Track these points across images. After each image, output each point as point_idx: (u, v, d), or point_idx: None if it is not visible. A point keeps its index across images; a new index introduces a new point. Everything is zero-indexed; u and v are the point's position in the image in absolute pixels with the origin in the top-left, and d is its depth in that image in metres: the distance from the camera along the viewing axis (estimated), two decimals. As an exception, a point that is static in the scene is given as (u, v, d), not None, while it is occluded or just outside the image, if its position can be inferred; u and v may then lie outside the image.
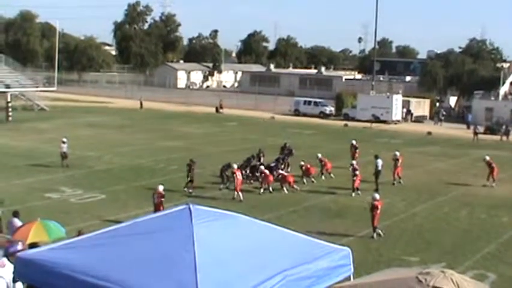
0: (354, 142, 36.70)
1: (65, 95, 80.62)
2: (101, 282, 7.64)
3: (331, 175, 32.40)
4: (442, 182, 33.03)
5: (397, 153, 32.75)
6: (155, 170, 33.69)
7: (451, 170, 37.12)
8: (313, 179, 31.45)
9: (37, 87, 66.38)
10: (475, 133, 53.09)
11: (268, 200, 27.58)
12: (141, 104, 71.19)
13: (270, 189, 29.11)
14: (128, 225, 9.23)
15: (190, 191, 28.16)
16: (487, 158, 33.14)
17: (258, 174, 30.26)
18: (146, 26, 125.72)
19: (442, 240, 22.47)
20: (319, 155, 33.42)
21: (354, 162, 30.66)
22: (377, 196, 23.16)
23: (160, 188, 23.54)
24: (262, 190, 29.01)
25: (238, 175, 27.58)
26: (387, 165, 32.34)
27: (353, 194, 28.50)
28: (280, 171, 30.45)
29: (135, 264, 7.94)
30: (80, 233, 15.76)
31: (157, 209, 22.07)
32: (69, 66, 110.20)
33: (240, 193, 27.12)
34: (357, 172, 29.17)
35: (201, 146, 42.54)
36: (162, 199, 23.05)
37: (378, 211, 22.37)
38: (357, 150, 36.15)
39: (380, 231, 22.47)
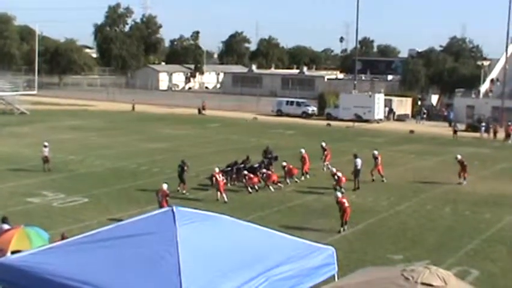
0: (323, 144, 36.46)
1: (46, 98, 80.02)
2: (82, 286, 7.59)
3: (307, 175, 32.43)
4: (425, 180, 33.21)
5: (376, 152, 32.88)
6: (138, 172, 33.54)
7: (433, 167, 37.36)
8: (296, 179, 31.51)
9: (17, 91, 65.83)
10: (455, 131, 53.46)
11: (252, 201, 27.57)
12: (133, 107, 70.87)
13: (256, 187, 29.39)
14: (110, 228, 9.18)
15: (184, 191, 28.09)
16: (459, 156, 33.22)
17: (241, 177, 30.31)
18: (127, 28, 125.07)
19: (425, 237, 22.60)
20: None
21: (334, 169, 30.48)
22: (339, 194, 23.98)
23: (165, 186, 24.08)
24: (250, 189, 29.09)
25: (219, 177, 27.59)
26: (369, 163, 32.51)
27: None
28: (265, 170, 30.52)
29: (118, 268, 7.89)
30: (63, 237, 15.67)
31: (162, 207, 22.26)
32: (50, 69, 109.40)
33: (223, 194, 27.09)
34: (336, 177, 29.18)
35: (184, 148, 42.42)
36: (167, 197, 23.67)
37: (346, 205, 22.96)
38: (325, 152, 35.78)
39: (346, 226, 22.90)
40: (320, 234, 21.62)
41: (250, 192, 28.89)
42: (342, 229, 22.80)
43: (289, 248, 9.12)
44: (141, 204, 25.58)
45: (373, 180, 31.80)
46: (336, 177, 29.24)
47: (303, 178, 32.06)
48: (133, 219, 9.51)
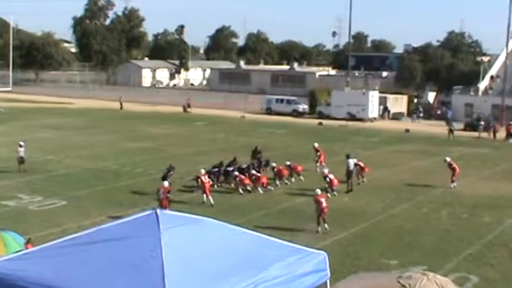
0: (316, 145, 36.40)
1: (22, 95, 79.68)
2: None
3: (301, 177, 32.43)
4: (421, 182, 33.30)
5: (355, 160, 32.45)
6: (120, 173, 33.45)
7: (430, 168, 37.46)
8: (286, 181, 31.55)
9: (-10, 87, 65.55)
10: (450, 131, 53.41)
11: (240, 204, 27.57)
12: (120, 104, 70.74)
13: (249, 188, 29.55)
14: (90, 232, 9.12)
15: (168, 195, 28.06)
16: (448, 159, 33.08)
17: (231, 179, 30.36)
18: (108, 22, 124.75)
19: (422, 242, 22.67)
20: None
21: (325, 170, 30.54)
22: (318, 191, 24.49)
23: (166, 183, 25.29)
24: (241, 190, 29.20)
25: (204, 179, 27.59)
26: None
27: (329, 195, 28.61)
28: (254, 172, 30.56)
29: (99, 274, 7.86)
30: (29, 242, 15.62)
31: (162, 205, 23.78)
32: (25, 64, 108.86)
33: (209, 197, 27.08)
34: (328, 179, 29.25)
35: (168, 148, 42.37)
36: (168, 194, 25.02)
37: (323, 205, 23.39)
38: (318, 153, 35.65)
39: (319, 227, 23.26)
40: (311, 238, 21.66)
41: (241, 193, 28.96)
42: (319, 229, 23.17)
43: (279, 253, 9.11)
44: (124, 207, 25.54)
45: (358, 183, 31.84)
46: (327, 179, 29.30)
47: (293, 180, 32.11)
48: (115, 223, 9.47)
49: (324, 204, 23.51)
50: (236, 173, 30.14)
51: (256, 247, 9.08)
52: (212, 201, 26.87)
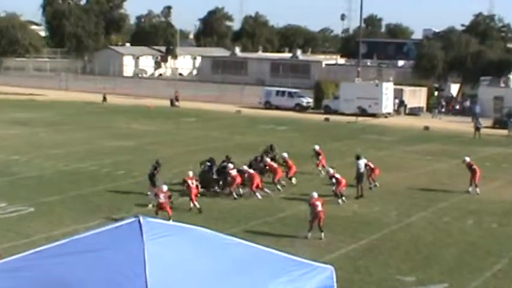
0: (316, 147, 36.17)
1: (-16, 86, 79.66)
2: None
3: (293, 180, 32.44)
4: (442, 186, 33.31)
5: (365, 160, 32.39)
6: (98, 175, 33.44)
7: (452, 171, 37.44)
8: (283, 183, 31.58)
9: None
10: (477, 128, 53.26)
11: (235, 210, 27.56)
12: (104, 97, 70.79)
13: (241, 191, 29.68)
14: (62, 243, 9.11)
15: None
16: (467, 159, 32.87)
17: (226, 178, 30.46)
18: (84, 1, 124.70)
19: (443, 255, 22.67)
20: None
21: (331, 170, 30.57)
22: (315, 194, 24.67)
23: (165, 187, 25.93)
24: (234, 195, 29.33)
25: (191, 183, 27.58)
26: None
27: (339, 202, 28.65)
28: (247, 168, 30.48)
29: (72, 291, 7.86)
30: None
31: (164, 210, 24.89)
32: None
33: (195, 203, 27.05)
34: (334, 180, 29.28)
35: (153, 147, 42.36)
36: (170, 199, 25.81)
37: (319, 208, 23.74)
38: (320, 157, 35.36)
39: (310, 233, 23.62)
40: (316, 250, 21.67)
41: (235, 198, 29.03)
42: (309, 235, 23.59)
43: (280, 267, 9.12)
44: (102, 214, 25.55)
45: (370, 188, 31.85)
46: (333, 179, 29.27)
47: (293, 181, 32.17)
48: (91, 232, 9.46)
49: (320, 208, 23.80)
50: (231, 169, 30.07)
51: (254, 261, 9.09)
52: (198, 206, 26.77)
